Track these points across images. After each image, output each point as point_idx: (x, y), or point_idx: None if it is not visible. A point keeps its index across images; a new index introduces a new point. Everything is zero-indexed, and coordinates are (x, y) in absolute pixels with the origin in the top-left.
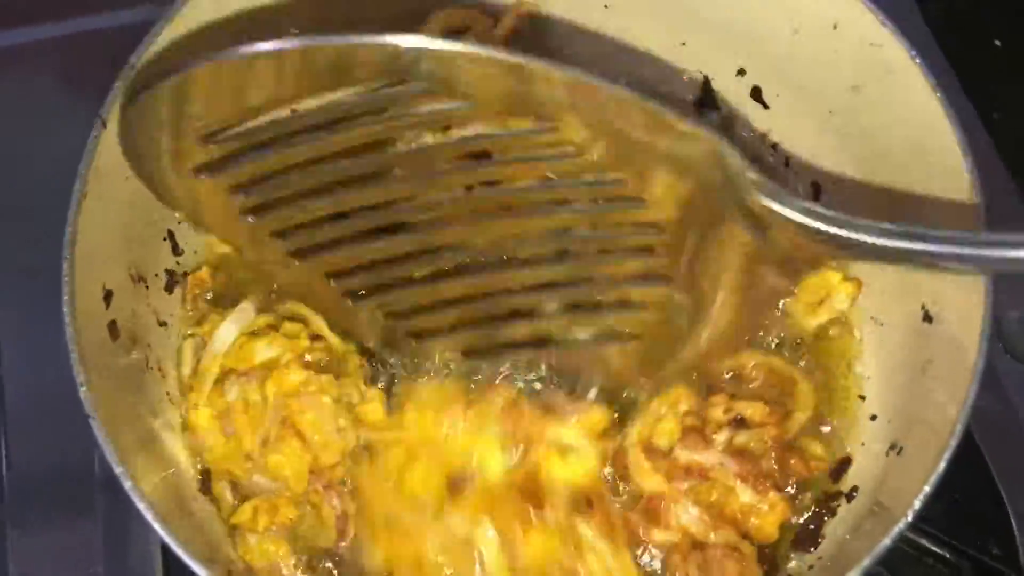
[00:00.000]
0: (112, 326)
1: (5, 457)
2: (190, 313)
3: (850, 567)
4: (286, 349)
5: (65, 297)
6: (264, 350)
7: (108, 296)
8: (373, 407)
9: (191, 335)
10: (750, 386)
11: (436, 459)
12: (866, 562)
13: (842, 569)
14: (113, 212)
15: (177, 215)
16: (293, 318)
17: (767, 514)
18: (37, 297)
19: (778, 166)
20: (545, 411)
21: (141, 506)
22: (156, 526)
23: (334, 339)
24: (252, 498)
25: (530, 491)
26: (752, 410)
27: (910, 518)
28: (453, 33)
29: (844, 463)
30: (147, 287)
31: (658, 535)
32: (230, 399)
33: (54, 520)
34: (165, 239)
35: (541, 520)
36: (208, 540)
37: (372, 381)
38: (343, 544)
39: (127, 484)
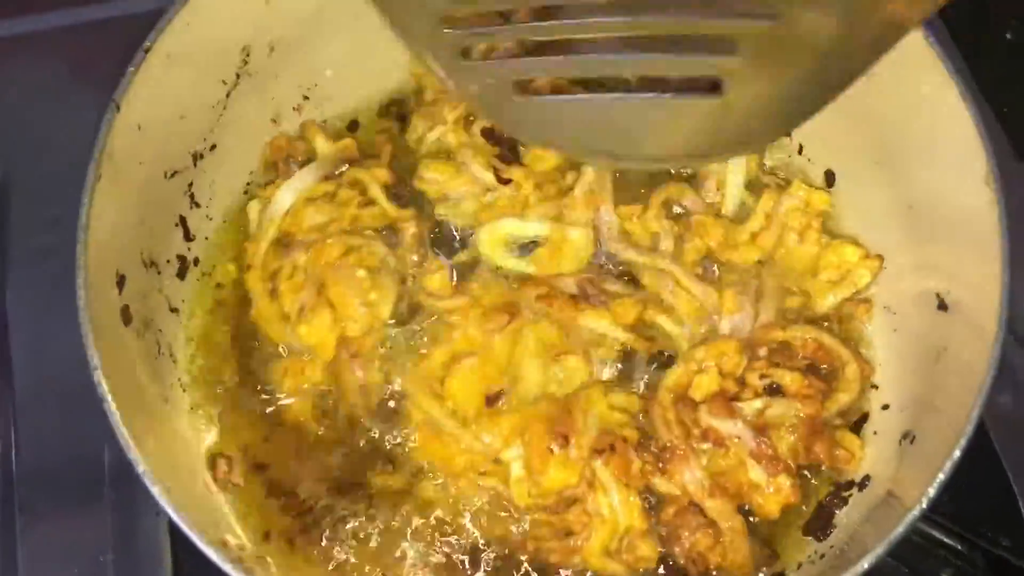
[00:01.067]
0: (125, 311)
1: (15, 443)
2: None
3: (863, 555)
4: (333, 217)
5: (79, 280)
6: (313, 216)
7: (121, 281)
8: (439, 277)
9: (257, 196)
10: (794, 360)
11: (479, 366)
12: (879, 550)
13: (855, 558)
14: (126, 197)
15: None
16: (353, 185)
17: (771, 495)
18: (48, 281)
19: (792, 153)
20: (578, 302)
21: (154, 490)
22: (169, 510)
23: (387, 204)
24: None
25: (562, 422)
26: (789, 379)
27: (924, 505)
28: None
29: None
30: (159, 272)
31: (660, 484)
32: (277, 264)
33: (63, 506)
34: (177, 225)
35: (565, 453)
36: (218, 524)
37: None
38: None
39: (140, 468)
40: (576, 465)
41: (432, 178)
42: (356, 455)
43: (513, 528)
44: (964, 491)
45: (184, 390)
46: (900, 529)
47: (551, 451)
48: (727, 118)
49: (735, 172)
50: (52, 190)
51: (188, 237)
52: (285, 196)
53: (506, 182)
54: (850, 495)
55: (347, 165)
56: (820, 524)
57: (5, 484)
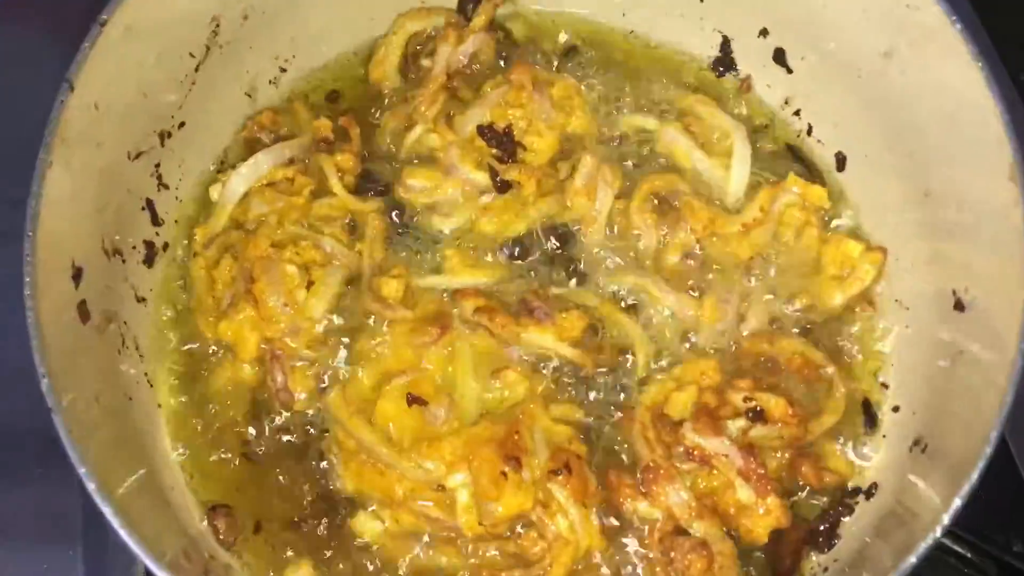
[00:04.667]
0: (82, 307)
1: None
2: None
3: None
4: (276, 208)
5: (27, 279)
6: (256, 206)
7: (78, 275)
8: (395, 284)
9: (218, 181)
10: (779, 376)
11: (411, 384)
12: (900, 570)
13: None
14: (84, 182)
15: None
16: (315, 172)
17: (761, 517)
18: (8, 264)
19: (800, 134)
20: (519, 317)
21: (106, 510)
22: (123, 533)
23: (345, 195)
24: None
25: (509, 444)
26: (774, 404)
27: (945, 524)
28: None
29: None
30: (123, 261)
31: (642, 507)
32: (211, 253)
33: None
34: (144, 208)
35: (518, 476)
36: (186, 532)
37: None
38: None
39: (91, 486)
40: (530, 488)
41: (417, 185)
42: (280, 479)
43: (460, 559)
44: (975, 496)
45: (151, 385)
46: (919, 552)
47: (503, 476)
48: None
49: (741, 154)
50: (14, 169)
51: (156, 221)
52: (237, 182)
53: (506, 188)
54: (856, 503)
55: (316, 149)
56: (823, 535)
57: None
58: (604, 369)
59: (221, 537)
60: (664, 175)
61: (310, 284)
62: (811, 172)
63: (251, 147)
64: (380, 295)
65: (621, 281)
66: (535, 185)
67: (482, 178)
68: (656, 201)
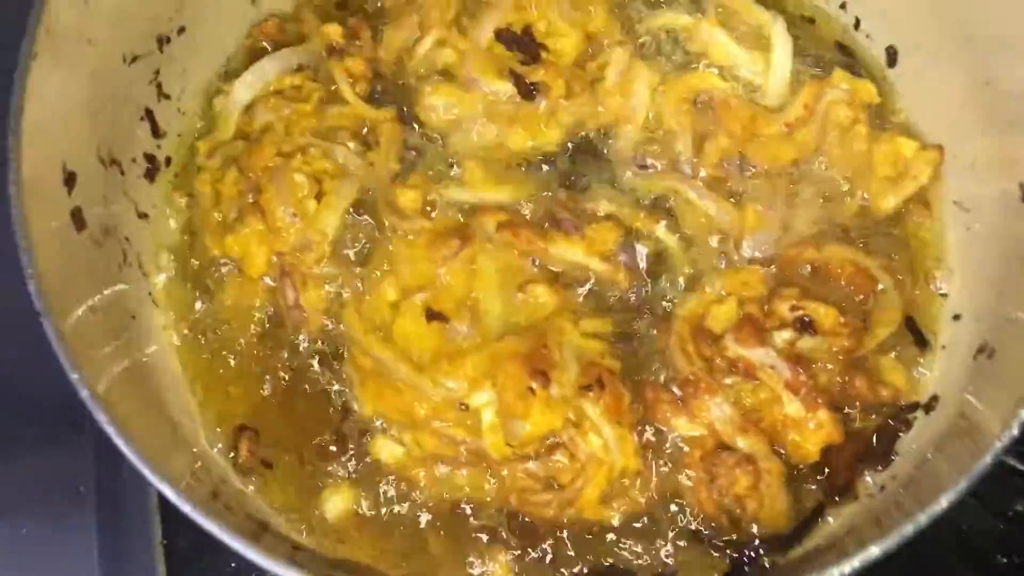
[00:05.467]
0: (77, 214)
1: None
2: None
3: (940, 492)
4: (282, 115)
5: (11, 176)
6: (262, 114)
7: (71, 179)
8: (412, 194)
9: (221, 91)
10: (829, 286)
11: (430, 299)
12: (962, 486)
13: (929, 494)
14: (75, 81)
15: None
16: (325, 79)
17: (811, 432)
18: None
19: (847, 29)
20: (546, 229)
21: (110, 430)
22: (129, 452)
23: (356, 101)
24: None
25: (536, 358)
26: (823, 313)
27: (1015, 432)
28: None
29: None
30: (122, 172)
31: (682, 424)
32: (215, 163)
33: (38, 439)
34: (143, 119)
35: (546, 392)
36: (194, 453)
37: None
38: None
39: (83, 392)
40: (560, 405)
41: (437, 104)
42: (296, 402)
43: (489, 482)
44: None
45: (156, 305)
46: (986, 460)
47: (531, 392)
48: None
49: (782, 46)
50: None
51: (157, 133)
52: (241, 90)
53: (533, 93)
54: (914, 418)
55: (325, 55)
56: (879, 452)
57: None
58: (638, 284)
59: (240, 461)
60: (700, 73)
61: (320, 196)
62: (860, 70)
63: (256, 57)
64: (397, 206)
65: (655, 187)
66: (563, 87)
67: (505, 88)
68: (693, 102)
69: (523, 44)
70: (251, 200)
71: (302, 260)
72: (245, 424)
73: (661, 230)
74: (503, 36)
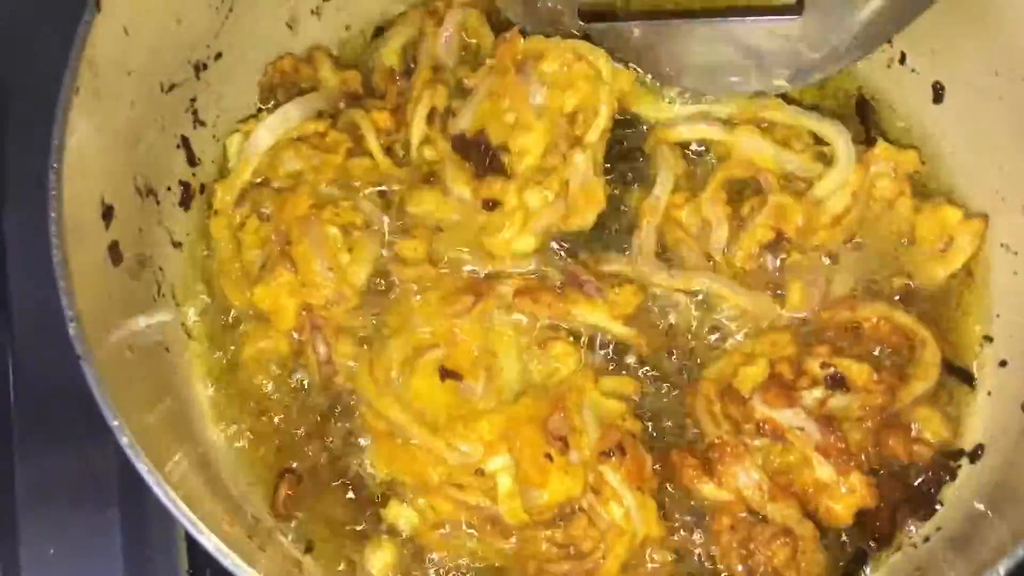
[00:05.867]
0: (114, 248)
1: (12, 382)
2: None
3: (1000, 556)
4: (314, 164)
5: (52, 215)
6: (292, 160)
7: (108, 213)
8: (413, 245)
9: (238, 131)
10: (862, 344)
11: (444, 358)
12: (1021, 553)
13: (988, 557)
14: (114, 113)
15: None
16: (347, 128)
17: (843, 497)
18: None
19: (892, 62)
20: (567, 291)
21: (141, 467)
22: (173, 509)
23: (381, 157)
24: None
25: (554, 422)
26: (856, 369)
27: None
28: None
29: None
30: (157, 202)
31: (708, 489)
32: (243, 211)
33: (64, 446)
34: (179, 147)
35: (565, 458)
36: (229, 494)
37: None
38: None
39: (123, 440)
40: (579, 471)
41: (420, 212)
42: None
43: (505, 548)
44: None
45: (193, 338)
46: None
47: (548, 458)
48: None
49: (847, 159)
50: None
51: (192, 161)
52: (263, 134)
53: (492, 206)
54: (958, 466)
55: (344, 104)
56: (921, 500)
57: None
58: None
59: (280, 504)
60: (741, 162)
61: (349, 249)
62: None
63: (266, 94)
64: (399, 255)
65: (690, 284)
66: (517, 200)
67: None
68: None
69: (472, 152)
70: (279, 251)
71: (332, 314)
72: (288, 468)
73: (683, 298)
74: (456, 143)
